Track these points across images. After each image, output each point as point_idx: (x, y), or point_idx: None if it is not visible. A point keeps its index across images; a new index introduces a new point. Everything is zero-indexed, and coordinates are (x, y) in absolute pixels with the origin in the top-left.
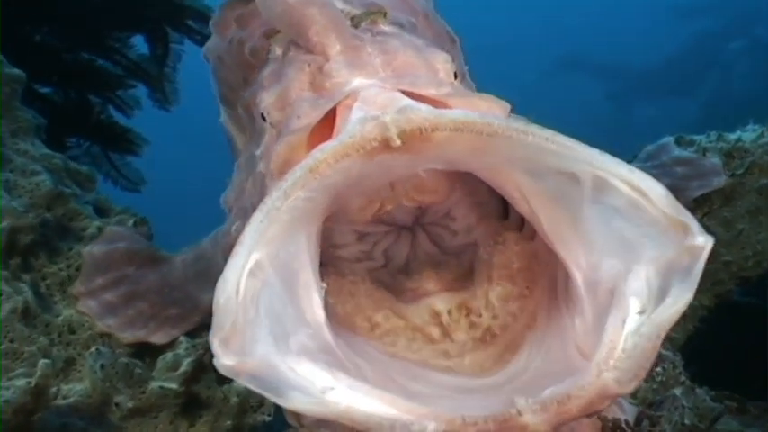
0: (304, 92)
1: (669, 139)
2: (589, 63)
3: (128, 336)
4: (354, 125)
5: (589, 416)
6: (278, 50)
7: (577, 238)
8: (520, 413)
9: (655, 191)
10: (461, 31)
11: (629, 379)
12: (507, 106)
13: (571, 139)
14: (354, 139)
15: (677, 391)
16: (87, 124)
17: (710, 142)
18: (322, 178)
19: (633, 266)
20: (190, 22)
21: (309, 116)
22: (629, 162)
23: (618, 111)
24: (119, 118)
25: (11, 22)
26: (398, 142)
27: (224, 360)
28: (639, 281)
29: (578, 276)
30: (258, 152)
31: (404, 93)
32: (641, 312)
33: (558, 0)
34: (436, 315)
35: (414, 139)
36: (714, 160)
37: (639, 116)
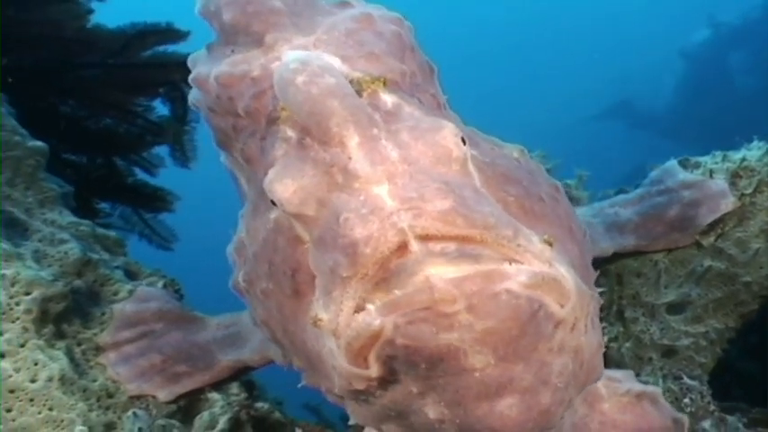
0: (333, 194)
1: (673, 163)
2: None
3: (133, 388)
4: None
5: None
6: (289, 132)
7: None
8: None
9: None
10: None
11: None
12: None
13: None
14: None
15: (706, 423)
16: (117, 187)
17: (716, 163)
18: None
19: None
20: None
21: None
22: (634, 188)
23: None
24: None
25: (37, 96)
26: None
27: None
28: None
29: None
30: (265, 225)
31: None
32: None
33: None
34: None
35: None
36: (720, 182)
37: None
